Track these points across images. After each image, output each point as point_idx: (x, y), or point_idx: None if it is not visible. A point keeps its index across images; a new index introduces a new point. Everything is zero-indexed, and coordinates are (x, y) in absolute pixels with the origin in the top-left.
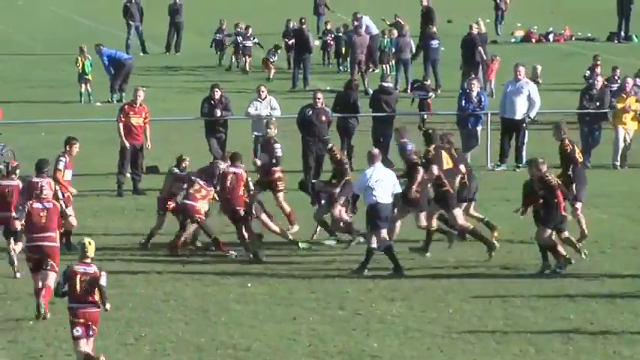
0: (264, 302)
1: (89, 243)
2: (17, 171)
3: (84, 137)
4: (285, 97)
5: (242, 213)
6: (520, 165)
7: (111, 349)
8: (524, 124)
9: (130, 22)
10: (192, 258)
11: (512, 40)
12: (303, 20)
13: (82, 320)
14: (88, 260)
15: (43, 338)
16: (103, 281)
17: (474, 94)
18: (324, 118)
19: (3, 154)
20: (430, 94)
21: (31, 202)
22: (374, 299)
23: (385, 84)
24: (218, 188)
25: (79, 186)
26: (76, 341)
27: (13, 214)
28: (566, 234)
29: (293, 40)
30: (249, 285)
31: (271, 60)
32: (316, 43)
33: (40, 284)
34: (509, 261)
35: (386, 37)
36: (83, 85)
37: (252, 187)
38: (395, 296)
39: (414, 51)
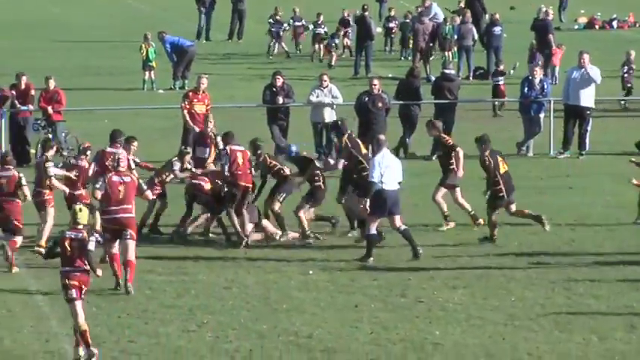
0: (325, 290)
1: (80, 209)
2: (88, 152)
3: (146, 124)
4: (347, 84)
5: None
6: (583, 152)
7: (173, 336)
8: (588, 112)
9: (201, 9)
10: (254, 245)
11: (576, 27)
12: (365, 7)
13: (74, 283)
14: (80, 226)
15: (106, 324)
16: (91, 246)
17: (537, 80)
18: (380, 104)
19: (67, 140)
20: (501, 79)
21: (110, 174)
22: (436, 287)
23: (447, 71)
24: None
25: (140, 173)
26: (72, 303)
27: (97, 185)
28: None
29: (349, 29)
30: (310, 272)
31: (333, 46)
32: (378, 30)
33: (122, 257)
34: (571, 248)
35: (448, 24)
36: (147, 73)
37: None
38: (457, 284)
39: (476, 38)
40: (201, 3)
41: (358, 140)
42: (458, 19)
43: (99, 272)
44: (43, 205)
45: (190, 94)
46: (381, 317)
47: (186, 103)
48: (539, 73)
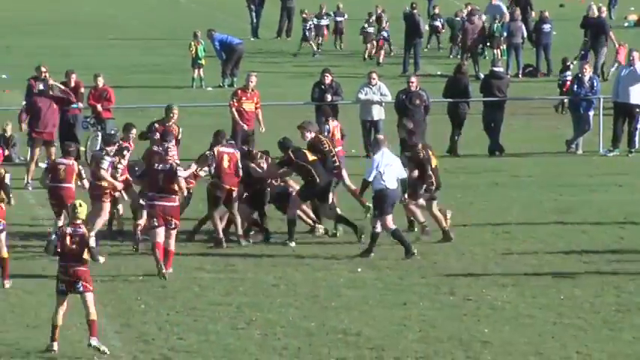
0: (374, 287)
1: (79, 205)
2: (125, 152)
3: (194, 122)
4: (396, 81)
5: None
6: (632, 150)
7: (222, 333)
8: (638, 109)
9: (252, 7)
10: (302, 242)
11: (626, 24)
12: (414, 5)
13: (67, 278)
14: (79, 222)
15: (155, 322)
16: (92, 242)
17: (587, 78)
18: (417, 101)
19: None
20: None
21: (153, 162)
22: (484, 285)
23: (496, 69)
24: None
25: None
26: (59, 296)
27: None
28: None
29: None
30: (359, 270)
31: (381, 42)
32: (426, 27)
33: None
34: (620, 246)
35: (497, 21)
36: (196, 71)
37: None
38: (505, 282)
39: (525, 35)
40: (250, 1)
41: (304, 150)
42: (507, 17)
43: (101, 259)
44: (98, 198)
45: (239, 92)
46: (429, 315)
47: (235, 101)
48: (588, 71)
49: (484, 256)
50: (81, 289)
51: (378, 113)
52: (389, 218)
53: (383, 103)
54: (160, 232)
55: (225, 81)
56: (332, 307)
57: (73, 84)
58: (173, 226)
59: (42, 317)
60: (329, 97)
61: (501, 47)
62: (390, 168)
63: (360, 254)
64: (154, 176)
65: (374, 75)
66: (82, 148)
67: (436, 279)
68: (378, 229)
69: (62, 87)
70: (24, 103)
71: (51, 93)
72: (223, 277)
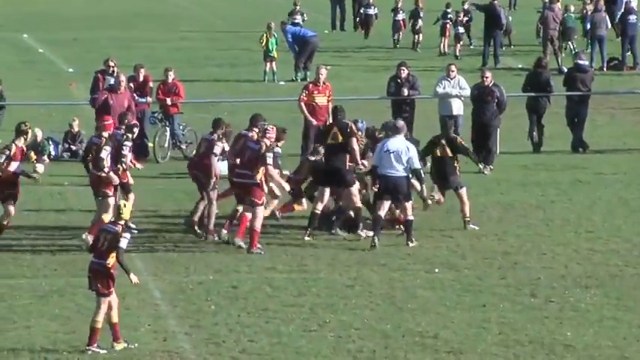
0: (451, 288)
1: (124, 205)
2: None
3: (266, 117)
4: (475, 75)
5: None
6: None
7: (294, 335)
8: None
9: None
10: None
11: None
12: None
13: (92, 275)
14: (120, 222)
15: (225, 323)
16: (122, 243)
17: None
18: (489, 97)
19: (185, 134)
20: None
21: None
22: (567, 286)
23: (580, 62)
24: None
25: None
26: (99, 297)
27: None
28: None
29: (466, 17)
30: (436, 271)
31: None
32: (510, 18)
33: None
34: None
35: (572, 13)
36: (268, 64)
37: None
38: (589, 283)
39: (609, 27)
40: None
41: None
42: (590, 7)
43: (133, 278)
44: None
45: (310, 85)
46: (509, 317)
47: (305, 95)
48: None
49: (566, 256)
50: (95, 289)
51: (457, 108)
52: (386, 204)
53: (462, 98)
54: (247, 207)
55: (298, 75)
56: (408, 308)
57: (141, 78)
58: (256, 205)
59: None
60: (405, 92)
61: (572, 40)
62: (390, 155)
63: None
64: (243, 152)
65: (453, 67)
66: (150, 144)
67: (516, 280)
68: (382, 212)
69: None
70: (91, 98)
71: (121, 90)
72: (296, 278)
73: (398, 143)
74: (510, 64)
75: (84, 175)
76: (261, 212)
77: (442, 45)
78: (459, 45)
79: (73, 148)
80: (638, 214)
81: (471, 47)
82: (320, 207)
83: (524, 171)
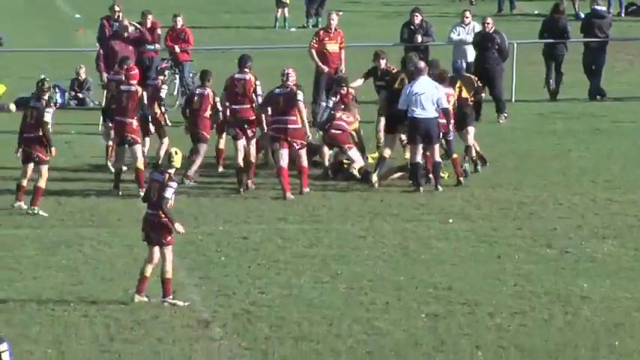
0: (466, 239)
1: (175, 153)
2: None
3: (276, 65)
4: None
5: (202, 135)
6: None
7: (305, 287)
8: None
9: None
10: (389, 192)
11: None
12: None
13: (149, 227)
14: (171, 170)
15: (236, 275)
16: (167, 193)
17: None
18: (489, 44)
19: (194, 82)
20: None
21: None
22: (584, 237)
23: (598, 7)
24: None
25: None
26: (150, 247)
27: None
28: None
29: None
30: (450, 221)
31: None
32: None
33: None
34: None
35: None
36: (280, 10)
37: (219, 108)
38: (606, 233)
39: None
40: None
41: None
42: None
43: (178, 228)
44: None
45: (321, 32)
46: (525, 269)
47: (315, 42)
48: None
49: (583, 206)
50: (154, 240)
51: (472, 55)
52: (419, 147)
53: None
54: (284, 155)
55: (310, 21)
56: (422, 260)
57: (149, 25)
58: (299, 146)
59: (117, 269)
60: (419, 38)
61: None
62: (419, 97)
63: (409, 185)
64: (275, 101)
65: (467, 14)
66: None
67: (532, 231)
68: (416, 159)
69: (138, 26)
70: (97, 45)
71: (126, 35)
72: (307, 229)
73: (424, 84)
74: (527, 10)
75: (91, 124)
76: (305, 152)
77: None
78: None
79: (80, 95)
80: None
81: None
82: (389, 152)
83: (541, 119)
